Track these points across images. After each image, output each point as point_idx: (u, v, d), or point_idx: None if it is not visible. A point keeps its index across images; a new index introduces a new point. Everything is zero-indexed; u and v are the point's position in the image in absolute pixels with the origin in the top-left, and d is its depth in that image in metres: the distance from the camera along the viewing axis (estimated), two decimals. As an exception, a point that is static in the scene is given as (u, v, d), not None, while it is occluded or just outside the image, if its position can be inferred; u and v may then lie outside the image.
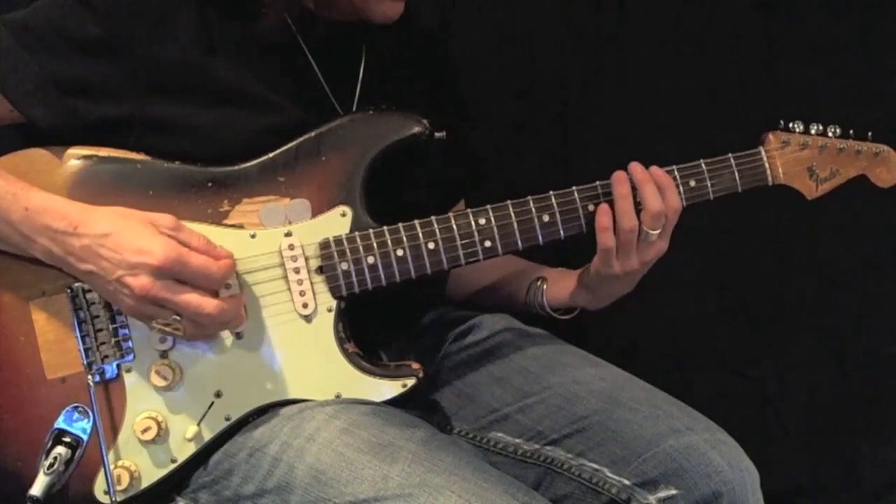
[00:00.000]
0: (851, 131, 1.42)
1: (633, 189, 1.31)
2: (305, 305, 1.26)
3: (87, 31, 1.23)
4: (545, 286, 1.46)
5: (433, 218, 1.29)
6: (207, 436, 1.24)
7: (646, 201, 1.31)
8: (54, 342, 1.24)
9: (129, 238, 1.14)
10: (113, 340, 1.23)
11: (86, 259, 1.15)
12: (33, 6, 1.26)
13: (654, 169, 1.33)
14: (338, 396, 1.26)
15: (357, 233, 1.27)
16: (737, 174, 1.37)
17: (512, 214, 1.31)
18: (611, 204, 1.32)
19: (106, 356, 1.23)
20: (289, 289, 1.26)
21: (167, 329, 1.17)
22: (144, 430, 1.22)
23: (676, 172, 1.35)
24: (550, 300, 1.46)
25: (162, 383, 1.23)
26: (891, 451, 2.06)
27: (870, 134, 1.43)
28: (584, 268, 1.40)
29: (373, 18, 1.34)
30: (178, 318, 1.16)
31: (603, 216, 1.31)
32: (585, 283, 1.40)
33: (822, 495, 2.04)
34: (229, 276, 1.19)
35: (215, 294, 1.19)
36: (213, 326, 1.20)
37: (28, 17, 1.25)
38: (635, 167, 1.32)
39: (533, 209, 1.31)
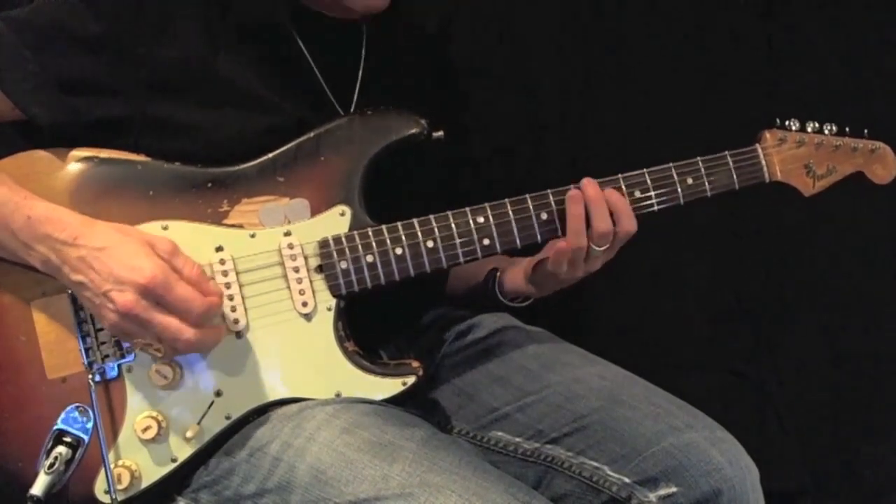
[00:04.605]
0: (847, 129, 1.43)
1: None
2: (305, 304, 1.27)
3: (88, 29, 1.24)
4: (500, 276, 1.48)
5: (431, 217, 1.30)
6: (208, 435, 1.24)
7: (594, 220, 1.31)
8: (55, 342, 1.24)
9: (123, 254, 1.14)
10: (113, 340, 1.23)
11: (79, 270, 1.15)
12: (35, 4, 1.26)
13: (610, 192, 1.33)
14: (338, 395, 1.27)
15: (356, 232, 1.28)
16: (734, 172, 1.38)
17: (510, 213, 1.31)
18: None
19: (106, 356, 1.23)
20: (288, 287, 1.27)
21: (148, 350, 1.18)
22: (145, 430, 1.23)
23: (673, 170, 1.36)
24: (503, 290, 1.48)
25: (162, 382, 1.23)
26: (890, 451, 2.06)
27: (866, 131, 1.44)
28: (532, 262, 1.42)
29: (354, 7, 1.35)
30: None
31: (560, 244, 1.32)
32: (531, 278, 1.43)
33: (822, 495, 2.04)
34: (213, 314, 1.18)
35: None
36: (190, 352, 1.20)
37: (30, 15, 1.25)
38: (588, 185, 1.32)
39: (531, 207, 1.32)
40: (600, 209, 1.31)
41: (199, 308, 1.15)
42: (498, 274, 1.48)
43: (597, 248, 1.33)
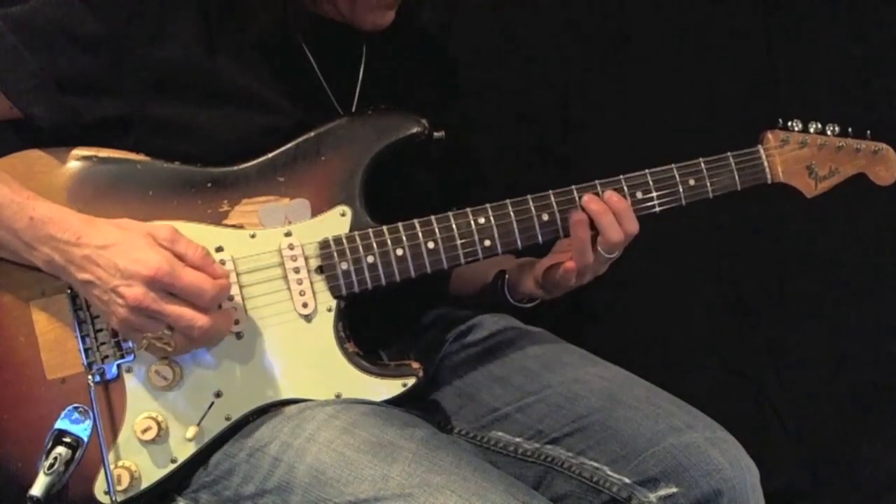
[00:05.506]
0: (850, 130, 1.43)
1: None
2: (305, 305, 1.27)
3: (87, 29, 1.23)
4: (507, 278, 1.48)
5: (432, 217, 1.30)
6: (207, 436, 1.24)
7: (605, 233, 1.32)
8: (55, 342, 1.24)
9: (126, 249, 1.14)
10: (113, 340, 1.23)
11: (84, 268, 1.15)
12: (34, 3, 1.25)
13: (610, 195, 1.33)
14: (338, 396, 1.26)
15: (356, 232, 1.28)
16: (736, 173, 1.38)
17: (511, 213, 1.31)
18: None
19: (106, 356, 1.23)
20: (288, 288, 1.26)
21: (157, 343, 1.17)
22: (145, 430, 1.23)
23: (675, 171, 1.36)
24: (512, 292, 1.48)
25: (162, 383, 1.23)
26: (891, 451, 2.06)
27: (868, 132, 1.43)
28: (542, 268, 1.42)
29: (362, 26, 1.35)
30: (168, 332, 1.16)
31: (568, 264, 1.33)
32: (542, 283, 1.43)
33: (822, 495, 2.05)
34: (222, 297, 1.18)
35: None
36: (204, 341, 1.19)
37: (29, 13, 1.25)
38: (590, 201, 1.32)
39: (532, 208, 1.32)
40: (607, 220, 1.31)
41: (210, 291, 1.15)
42: (507, 276, 1.48)
43: (608, 256, 1.34)
